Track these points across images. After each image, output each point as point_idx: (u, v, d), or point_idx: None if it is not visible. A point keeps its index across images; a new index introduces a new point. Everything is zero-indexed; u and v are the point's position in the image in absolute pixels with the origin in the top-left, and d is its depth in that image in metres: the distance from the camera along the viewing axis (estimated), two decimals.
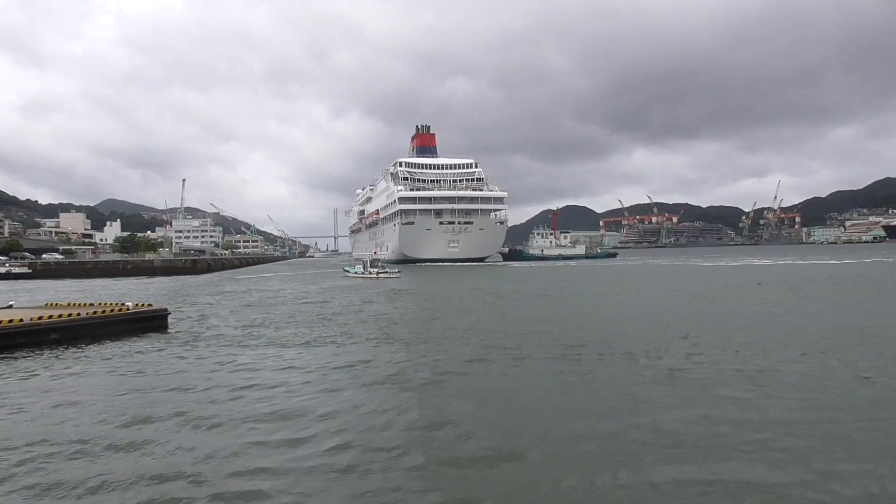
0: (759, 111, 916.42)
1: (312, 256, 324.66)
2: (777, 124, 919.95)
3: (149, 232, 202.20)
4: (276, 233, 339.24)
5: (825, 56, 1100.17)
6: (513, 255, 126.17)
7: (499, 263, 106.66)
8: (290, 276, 70.95)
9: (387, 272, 60.09)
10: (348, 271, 68.76)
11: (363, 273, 61.10)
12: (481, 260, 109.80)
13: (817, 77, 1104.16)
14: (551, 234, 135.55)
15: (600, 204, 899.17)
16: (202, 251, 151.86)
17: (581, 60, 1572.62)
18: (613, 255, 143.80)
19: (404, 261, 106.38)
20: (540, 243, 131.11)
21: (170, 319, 22.77)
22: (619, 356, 14.27)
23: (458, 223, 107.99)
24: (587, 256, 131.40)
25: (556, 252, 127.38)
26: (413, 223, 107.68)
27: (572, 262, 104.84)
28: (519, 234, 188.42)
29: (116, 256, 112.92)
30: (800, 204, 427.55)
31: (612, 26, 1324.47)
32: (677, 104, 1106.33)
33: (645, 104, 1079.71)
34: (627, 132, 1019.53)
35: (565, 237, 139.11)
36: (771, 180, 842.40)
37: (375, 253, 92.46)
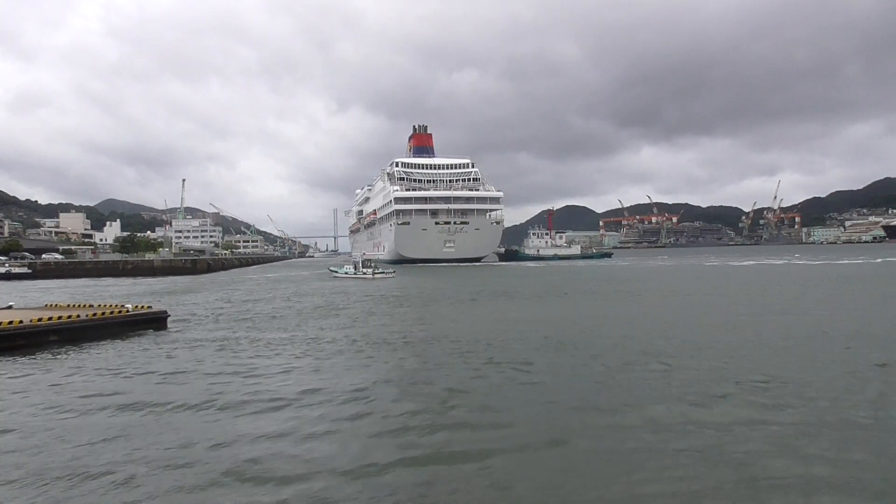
0: (773, 107, 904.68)
1: (312, 256, 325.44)
2: (791, 120, 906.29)
3: (149, 232, 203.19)
4: (275, 233, 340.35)
5: (846, 46, 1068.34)
6: (509, 256, 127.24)
7: (494, 263, 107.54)
8: (288, 277, 71.62)
9: (382, 272, 60.81)
10: (336, 272, 67.34)
11: (354, 273, 61.07)
12: (477, 260, 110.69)
13: (836, 69, 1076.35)
14: (547, 234, 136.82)
15: (606, 203, 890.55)
16: (202, 251, 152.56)
17: (594, 52, 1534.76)
18: (609, 256, 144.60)
19: (400, 261, 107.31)
20: (536, 243, 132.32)
21: (169, 321, 23.23)
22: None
23: (454, 223, 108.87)
24: (582, 257, 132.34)
25: (551, 252, 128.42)
26: (409, 223, 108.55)
27: (547, 264, 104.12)
28: (521, 234, 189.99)
29: (116, 256, 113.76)
30: (800, 204, 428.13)
31: (629, 15, 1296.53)
32: (690, 99, 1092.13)
33: (657, 99, 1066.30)
34: (637, 128, 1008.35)
35: (561, 237, 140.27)
36: (781, 178, 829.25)
37: (365, 253, 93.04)
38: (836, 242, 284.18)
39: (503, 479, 7.60)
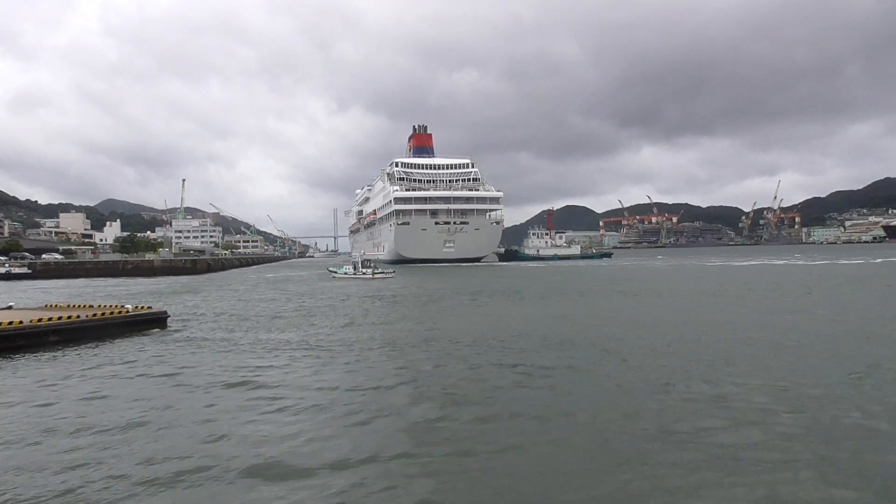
0: (773, 107, 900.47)
1: (312, 257, 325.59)
2: (791, 120, 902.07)
3: (149, 232, 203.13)
4: (275, 233, 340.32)
5: (846, 46, 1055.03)
6: (509, 256, 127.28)
7: (494, 264, 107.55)
8: (288, 278, 71.61)
9: (382, 273, 60.99)
10: (335, 272, 67.35)
11: (354, 274, 61.16)
12: (477, 260, 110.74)
13: (836, 69, 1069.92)
14: (547, 234, 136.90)
15: (606, 203, 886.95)
16: (202, 251, 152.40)
17: (594, 52, 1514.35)
18: (609, 256, 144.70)
19: (400, 261, 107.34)
20: (536, 243, 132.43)
21: (169, 321, 23.26)
22: None
23: (454, 223, 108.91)
24: (582, 257, 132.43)
25: (551, 252, 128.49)
26: (409, 223, 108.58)
27: (546, 264, 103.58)
28: (521, 234, 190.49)
29: (116, 256, 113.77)
30: (800, 204, 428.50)
31: (629, 15, 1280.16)
32: (690, 99, 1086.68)
33: (657, 99, 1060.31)
34: (637, 128, 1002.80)
35: (560, 237, 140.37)
36: (781, 178, 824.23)
37: (365, 253, 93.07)
38: (836, 242, 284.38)
39: (504, 478, 7.60)
